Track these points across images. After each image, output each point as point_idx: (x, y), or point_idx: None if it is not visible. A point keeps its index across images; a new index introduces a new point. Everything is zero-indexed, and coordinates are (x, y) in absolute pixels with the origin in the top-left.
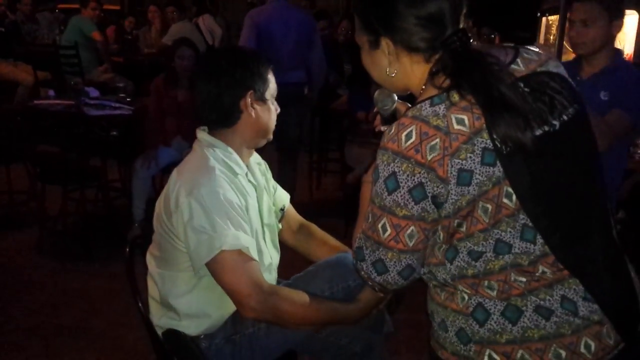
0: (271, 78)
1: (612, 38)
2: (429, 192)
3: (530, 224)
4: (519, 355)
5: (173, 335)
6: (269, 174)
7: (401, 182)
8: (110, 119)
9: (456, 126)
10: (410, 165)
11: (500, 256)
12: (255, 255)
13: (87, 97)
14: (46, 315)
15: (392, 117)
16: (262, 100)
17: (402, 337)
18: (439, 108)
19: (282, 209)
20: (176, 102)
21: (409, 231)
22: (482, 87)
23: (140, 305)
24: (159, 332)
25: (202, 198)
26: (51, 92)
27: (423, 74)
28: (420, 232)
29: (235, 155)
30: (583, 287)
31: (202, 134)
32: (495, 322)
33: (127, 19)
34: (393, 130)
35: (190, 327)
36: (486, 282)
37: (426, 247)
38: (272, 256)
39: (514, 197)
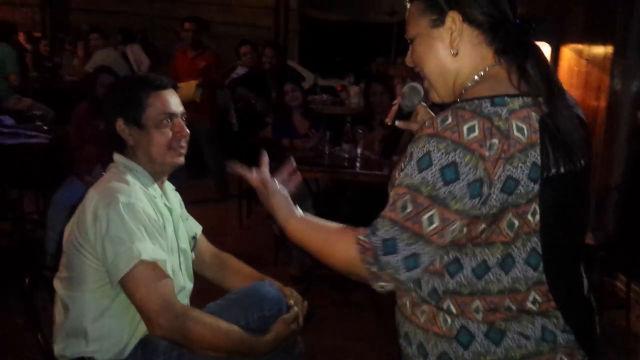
0: (153, 102)
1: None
2: (483, 190)
3: (539, 249)
4: None
5: None
6: (182, 203)
7: (462, 174)
8: (26, 148)
9: (516, 133)
10: (474, 158)
11: (504, 274)
12: (170, 272)
13: (1, 125)
14: None
15: (408, 116)
16: (137, 125)
17: None
18: (501, 110)
19: (194, 237)
20: (97, 131)
21: (454, 226)
22: (545, 79)
23: (39, 336)
24: None
25: (120, 210)
26: None
27: (482, 59)
28: (460, 228)
29: (150, 178)
30: (563, 320)
31: (118, 156)
32: (479, 344)
33: (40, 42)
34: (450, 121)
35: (99, 352)
36: (476, 304)
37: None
38: (185, 282)
39: (537, 217)
